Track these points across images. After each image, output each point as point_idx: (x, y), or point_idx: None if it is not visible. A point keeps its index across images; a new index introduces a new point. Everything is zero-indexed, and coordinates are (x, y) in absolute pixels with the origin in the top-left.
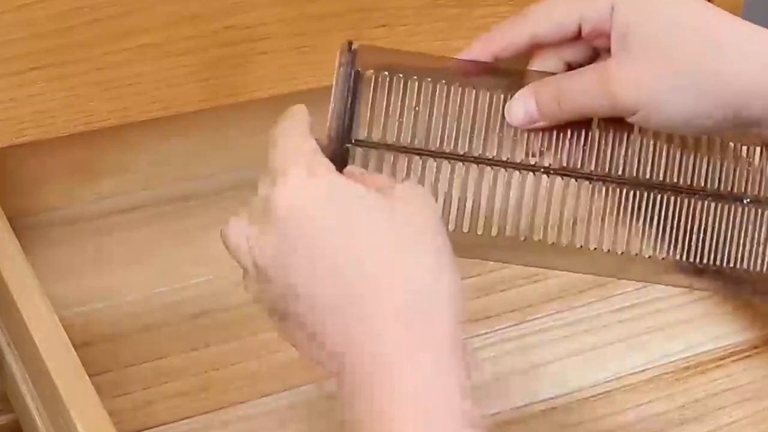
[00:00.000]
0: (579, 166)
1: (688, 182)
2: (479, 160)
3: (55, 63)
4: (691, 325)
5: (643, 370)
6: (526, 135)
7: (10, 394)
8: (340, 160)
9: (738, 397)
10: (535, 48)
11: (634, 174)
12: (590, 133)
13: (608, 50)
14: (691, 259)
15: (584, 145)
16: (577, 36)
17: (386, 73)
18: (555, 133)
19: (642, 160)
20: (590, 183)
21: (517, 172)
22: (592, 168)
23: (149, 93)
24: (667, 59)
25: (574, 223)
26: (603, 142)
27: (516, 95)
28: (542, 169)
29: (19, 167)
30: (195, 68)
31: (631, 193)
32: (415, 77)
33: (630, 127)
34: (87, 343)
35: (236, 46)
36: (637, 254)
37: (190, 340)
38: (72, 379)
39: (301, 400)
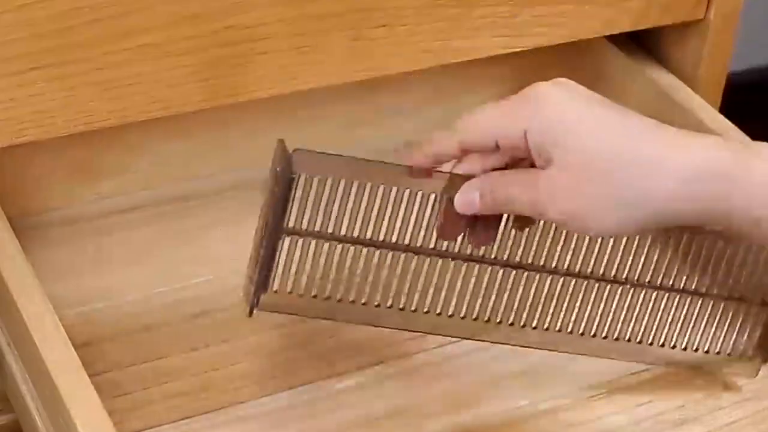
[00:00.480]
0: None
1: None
2: (398, 247)
3: (55, 63)
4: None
5: (643, 370)
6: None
7: (10, 394)
8: (272, 247)
9: (738, 397)
10: (463, 153)
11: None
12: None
13: (530, 157)
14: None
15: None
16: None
17: (317, 177)
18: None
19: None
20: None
21: (430, 259)
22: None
23: (149, 93)
24: (584, 177)
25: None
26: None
27: (463, 188)
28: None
29: (19, 167)
30: (195, 68)
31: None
32: (343, 179)
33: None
34: (87, 343)
35: (236, 46)
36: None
37: (190, 340)
38: (72, 379)
39: (301, 400)
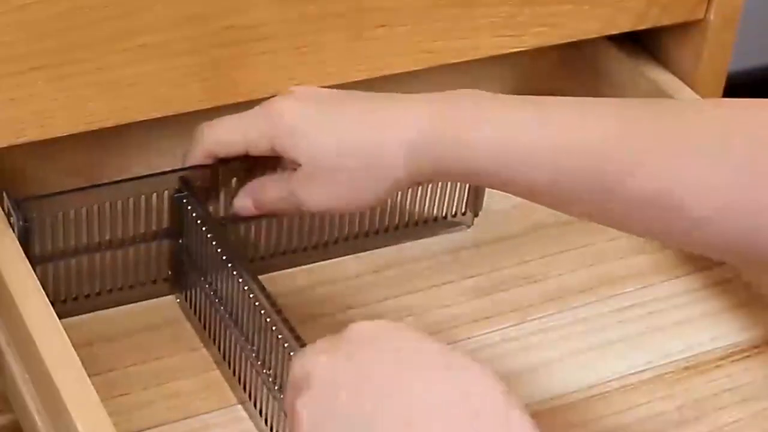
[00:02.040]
0: None
1: None
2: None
3: (55, 63)
4: (690, 325)
5: (643, 370)
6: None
7: (10, 394)
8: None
9: (738, 398)
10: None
11: None
12: None
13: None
14: None
15: None
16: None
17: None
18: None
19: None
20: None
21: None
22: None
23: (149, 93)
24: (325, 172)
25: None
26: None
27: (239, 194)
28: None
29: (19, 167)
30: (195, 68)
31: None
32: (72, 209)
33: None
34: (87, 343)
35: (236, 46)
36: None
37: (191, 340)
38: (72, 379)
39: None
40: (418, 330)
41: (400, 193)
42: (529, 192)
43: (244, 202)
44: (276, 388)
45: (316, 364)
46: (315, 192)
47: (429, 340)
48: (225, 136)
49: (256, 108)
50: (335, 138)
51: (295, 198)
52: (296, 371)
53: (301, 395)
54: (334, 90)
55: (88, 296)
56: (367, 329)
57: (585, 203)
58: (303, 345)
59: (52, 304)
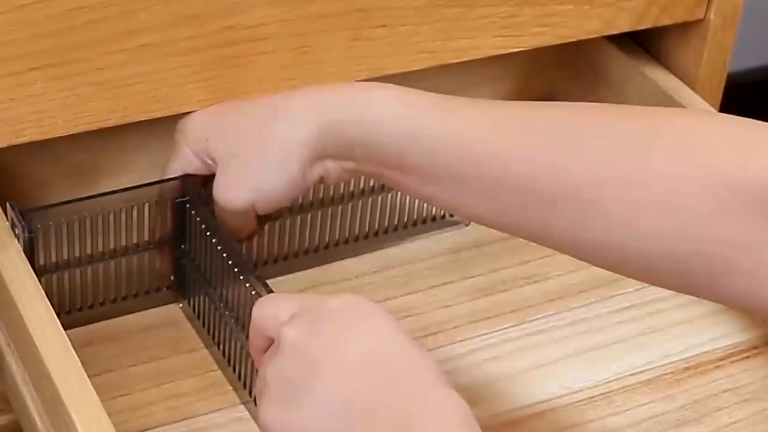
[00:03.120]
0: None
1: None
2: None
3: (54, 63)
4: (690, 325)
5: (643, 371)
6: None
7: (10, 394)
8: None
9: (737, 398)
10: None
11: None
12: None
13: None
14: None
15: None
16: None
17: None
18: None
19: None
20: None
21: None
22: None
23: (149, 93)
24: (239, 165)
25: None
26: None
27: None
28: None
29: (19, 167)
30: (195, 68)
31: None
32: (76, 218)
33: None
34: (87, 343)
35: (236, 46)
36: None
37: (191, 340)
38: (72, 379)
39: None
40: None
41: (399, 193)
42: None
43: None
44: None
45: (287, 334)
46: (227, 187)
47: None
48: (172, 166)
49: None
50: (236, 131)
51: (216, 199)
52: (268, 325)
53: (270, 355)
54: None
55: (92, 306)
56: (338, 309)
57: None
58: None
59: (57, 315)
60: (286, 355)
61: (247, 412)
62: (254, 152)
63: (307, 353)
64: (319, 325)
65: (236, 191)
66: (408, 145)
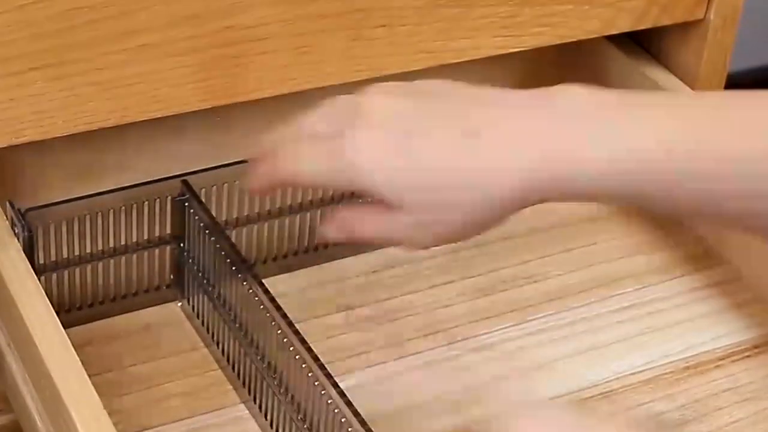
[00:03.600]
0: None
1: None
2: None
3: (54, 63)
4: (691, 325)
5: (643, 370)
6: None
7: (10, 394)
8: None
9: (738, 397)
10: None
11: None
12: None
13: None
14: None
15: None
16: None
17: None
18: None
19: None
20: None
21: None
22: None
23: (149, 93)
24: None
25: None
26: None
27: (328, 221)
28: None
29: (19, 167)
30: (195, 68)
31: None
32: (75, 217)
33: None
34: (87, 343)
35: (236, 46)
36: None
37: (191, 340)
38: (72, 379)
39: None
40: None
41: None
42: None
43: (336, 234)
44: (281, 391)
45: (373, 99)
46: (416, 233)
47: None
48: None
49: (328, 142)
50: (422, 170)
51: (395, 241)
52: (341, 103)
53: (353, 123)
54: (416, 101)
55: (91, 305)
56: (427, 84)
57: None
58: (307, 346)
59: (57, 314)
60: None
61: (247, 411)
62: (446, 197)
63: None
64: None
65: (423, 238)
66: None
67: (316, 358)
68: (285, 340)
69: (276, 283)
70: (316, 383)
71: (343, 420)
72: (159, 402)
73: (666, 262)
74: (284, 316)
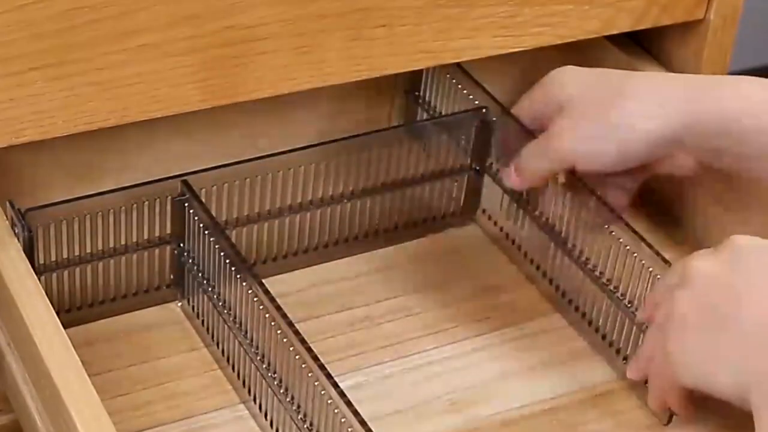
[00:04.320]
0: None
1: None
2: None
3: (54, 63)
4: None
5: None
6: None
7: (10, 394)
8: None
9: None
10: None
11: None
12: None
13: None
14: None
15: None
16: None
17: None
18: None
19: None
20: None
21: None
22: None
23: (149, 93)
24: (586, 117)
25: None
26: None
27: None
28: None
29: (19, 167)
30: (195, 68)
31: None
32: (75, 217)
33: None
34: (87, 343)
35: (236, 46)
36: None
37: (191, 340)
38: (72, 379)
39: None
40: None
41: (398, 193)
42: None
43: (510, 174)
44: (281, 391)
45: (700, 267)
46: (566, 130)
47: None
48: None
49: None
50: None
51: (549, 142)
52: (677, 271)
53: (680, 288)
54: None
55: (91, 305)
56: (747, 244)
57: None
58: (307, 346)
59: (57, 314)
60: (701, 285)
61: (247, 411)
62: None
63: (726, 280)
64: (731, 257)
65: (584, 147)
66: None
67: (316, 358)
68: (285, 340)
69: (276, 283)
70: (316, 383)
71: (343, 420)
72: (159, 402)
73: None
74: (284, 316)
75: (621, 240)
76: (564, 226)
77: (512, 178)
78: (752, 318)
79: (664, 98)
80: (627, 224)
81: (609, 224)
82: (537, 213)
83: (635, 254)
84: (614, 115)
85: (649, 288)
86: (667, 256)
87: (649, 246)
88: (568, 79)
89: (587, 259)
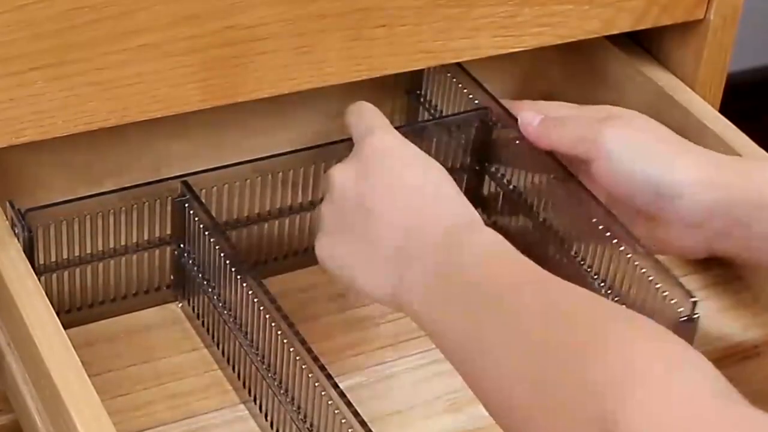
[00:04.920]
0: None
1: None
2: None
3: (54, 63)
4: None
5: None
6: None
7: (10, 394)
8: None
9: None
10: None
11: None
12: None
13: None
14: None
15: None
16: None
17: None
18: None
19: None
20: None
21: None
22: None
23: (149, 93)
24: (640, 129)
25: None
26: None
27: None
28: None
29: (19, 167)
30: (195, 68)
31: None
32: (75, 217)
33: None
34: (87, 343)
35: (236, 46)
36: None
37: (191, 340)
38: (72, 379)
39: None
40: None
41: None
42: None
43: (533, 117)
44: (282, 391)
45: (336, 178)
46: (619, 138)
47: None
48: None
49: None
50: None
51: (594, 125)
52: (325, 182)
53: (325, 200)
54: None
55: (92, 305)
56: (379, 147)
57: None
58: (307, 346)
59: (57, 315)
60: (338, 195)
61: (247, 411)
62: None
63: (357, 189)
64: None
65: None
66: None
67: (316, 359)
68: (285, 340)
69: (276, 284)
70: (316, 384)
71: (343, 421)
72: (159, 402)
73: (666, 262)
74: (284, 316)
75: (616, 242)
76: (562, 227)
77: (530, 128)
78: (377, 230)
79: (716, 160)
80: (623, 226)
81: (606, 227)
82: (535, 212)
83: (629, 255)
84: (666, 148)
85: (646, 292)
86: (661, 258)
87: (643, 247)
88: (627, 113)
89: (583, 259)
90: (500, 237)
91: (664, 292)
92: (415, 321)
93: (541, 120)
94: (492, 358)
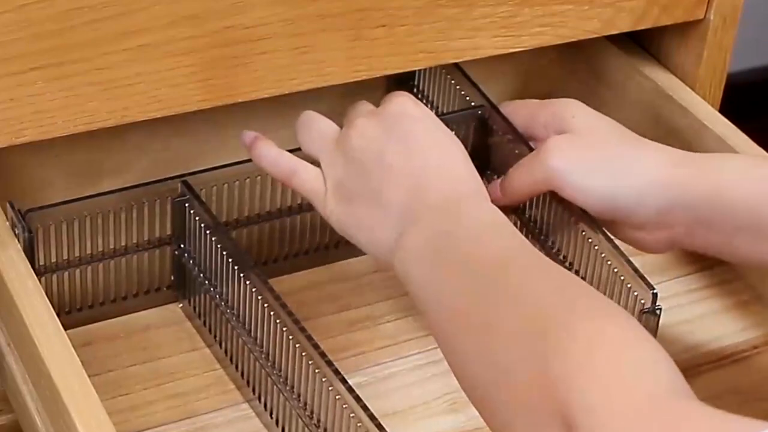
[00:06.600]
0: None
1: None
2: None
3: (54, 63)
4: (690, 325)
5: None
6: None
7: (10, 394)
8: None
9: (738, 397)
10: None
11: None
12: None
13: None
14: None
15: None
16: None
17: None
18: None
19: None
20: None
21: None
22: None
23: (149, 93)
24: (588, 147)
25: None
26: None
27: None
28: None
29: (19, 167)
30: (195, 68)
31: None
32: (75, 218)
33: None
34: (87, 343)
35: (236, 46)
36: None
37: (191, 340)
38: (72, 379)
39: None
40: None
41: None
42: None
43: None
44: (287, 387)
45: (358, 128)
46: (568, 161)
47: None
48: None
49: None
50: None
51: (544, 170)
52: (347, 126)
53: (341, 140)
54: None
55: (92, 306)
56: (409, 104)
57: None
58: (313, 342)
59: (57, 315)
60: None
61: (248, 410)
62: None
63: (376, 146)
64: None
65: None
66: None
67: (323, 354)
68: (291, 337)
69: (276, 284)
70: (323, 379)
71: (352, 415)
72: (159, 402)
73: (665, 262)
74: (290, 313)
75: (585, 235)
76: (545, 225)
77: (495, 194)
78: (388, 184)
79: (670, 160)
80: (595, 222)
81: (581, 224)
82: (521, 210)
83: (596, 247)
84: (618, 154)
85: (613, 284)
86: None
87: (610, 242)
88: (581, 113)
89: (571, 262)
90: (499, 213)
91: (627, 284)
92: (401, 279)
93: (492, 184)
94: (460, 337)
